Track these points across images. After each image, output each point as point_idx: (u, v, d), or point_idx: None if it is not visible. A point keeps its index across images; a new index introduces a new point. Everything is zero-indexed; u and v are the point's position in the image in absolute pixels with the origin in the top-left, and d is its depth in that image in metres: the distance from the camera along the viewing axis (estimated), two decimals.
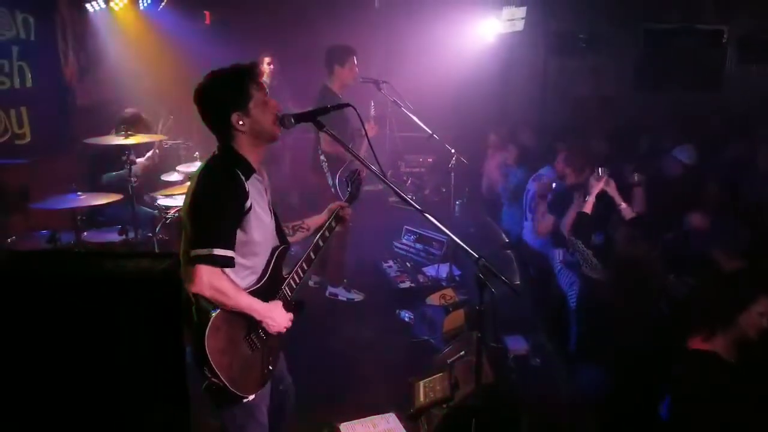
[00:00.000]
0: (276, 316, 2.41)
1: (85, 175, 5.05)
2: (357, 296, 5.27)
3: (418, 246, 6.16)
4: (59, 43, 5.71)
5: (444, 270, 5.51)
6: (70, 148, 5.64)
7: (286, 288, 2.55)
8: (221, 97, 2.32)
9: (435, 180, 8.11)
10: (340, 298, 5.25)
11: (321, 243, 2.70)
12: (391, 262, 5.89)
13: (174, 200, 5.13)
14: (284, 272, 2.57)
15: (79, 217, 4.45)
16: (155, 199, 5.11)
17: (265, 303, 2.38)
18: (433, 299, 4.64)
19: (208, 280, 2.18)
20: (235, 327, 2.33)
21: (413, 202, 2.66)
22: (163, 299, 1.38)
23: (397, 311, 4.96)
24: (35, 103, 5.49)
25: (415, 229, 6.30)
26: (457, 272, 5.55)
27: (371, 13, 8.93)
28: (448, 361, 3.56)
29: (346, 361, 4.33)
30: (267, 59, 6.95)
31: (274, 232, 2.55)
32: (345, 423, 3.52)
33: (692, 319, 2.92)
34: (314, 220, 2.86)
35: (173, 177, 5.71)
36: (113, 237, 4.64)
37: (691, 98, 8.95)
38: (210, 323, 2.23)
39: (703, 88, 9.11)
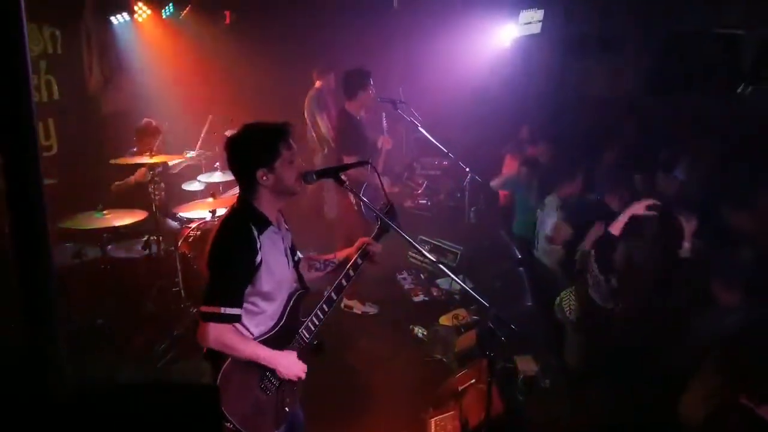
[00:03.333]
0: (287, 365, 2.51)
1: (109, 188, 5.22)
2: (372, 309, 5.40)
3: (433, 256, 6.26)
4: (84, 54, 5.83)
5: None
6: (95, 158, 5.80)
7: (304, 331, 2.63)
8: (250, 152, 2.44)
9: (450, 184, 8.18)
10: (355, 311, 5.38)
11: (344, 282, 2.72)
12: (405, 273, 6.01)
13: (195, 213, 5.29)
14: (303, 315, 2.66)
15: (104, 234, 4.61)
16: (176, 213, 5.27)
17: (274, 352, 2.48)
18: (446, 320, 4.75)
19: (215, 336, 2.33)
20: (249, 373, 2.46)
21: (428, 254, 2.72)
22: None
23: (411, 326, 5.08)
24: (61, 115, 5.65)
25: (429, 239, 6.39)
26: (470, 285, 5.64)
27: (390, 14, 8.94)
28: (460, 388, 3.69)
29: (360, 379, 4.48)
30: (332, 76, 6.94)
31: (292, 278, 2.65)
32: None
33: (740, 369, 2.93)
34: (344, 253, 2.87)
35: (194, 186, 5.87)
36: (137, 253, 4.80)
37: (710, 103, 8.88)
38: (222, 372, 2.38)
39: (722, 94, 9.02)
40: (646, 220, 4.21)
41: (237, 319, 2.38)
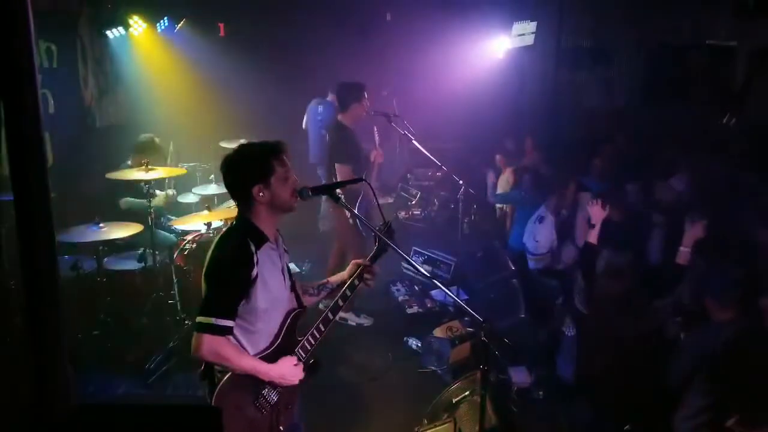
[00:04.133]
0: (282, 373, 2.53)
1: (104, 201, 5.24)
2: (366, 321, 5.43)
3: (427, 268, 6.28)
4: (80, 68, 5.87)
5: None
6: (91, 169, 5.81)
7: (300, 351, 2.65)
8: (246, 169, 2.50)
9: (444, 195, 8.22)
10: (349, 323, 5.41)
11: (341, 302, 2.76)
12: (399, 285, 6.03)
13: (190, 226, 5.32)
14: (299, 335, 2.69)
15: (100, 247, 4.63)
16: (172, 227, 5.29)
17: (269, 363, 2.51)
18: (440, 331, 4.78)
19: (209, 347, 2.36)
20: (244, 392, 2.48)
21: (422, 269, 2.75)
22: None
23: (405, 338, 5.11)
24: (57, 128, 5.67)
25: (423, 251, 6.42)
26: (464, 296, 5.69)
27: (383, 26, 9.02)
28: (454, 400, 3.71)
29: (354, 391, 4.51)
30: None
31: (289, 296, 2.68)
32: None
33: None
34: (337, 277, 2.91)
35: (189, 199, 5.89)
36: (133, 265, 4.82)
37: (701, 114, 8.98)
38: (216, 392, 2.40)
39: (714, 105, 9.13)
40: (615, 225, 4.27)
41: (229, 331, 2.41)
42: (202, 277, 2.46)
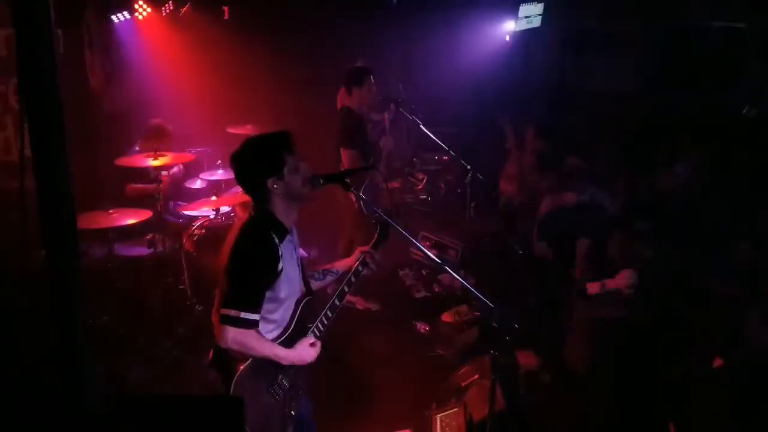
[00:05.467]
0: (301, 357, 2.60)
1: (113, 185, 5.25)
2: (374, 306, 5.45)
3: (434, 252, 6.29)
4: (86, 53, 5.85)
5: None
6: (99, 157, 5.82)
7: (311, 336, 2.71)
8: (257, 164, 2.51)
9: (451, 179, 8.21)
10: (357, 306, 5.44)
11: (347, 289, 2.81)
12: (407, 270, 6.06)
13: (198, 212, 5.34)
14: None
15: (110, 233, 4.65)
16: (180, 212, 5.31)
17: (289, 350, 2.57)
18: (448, 316, 4.81)
19: (233, 338, 2.40)
20: (259, 380, 2.52)
21: (430, 254, 2.77)
22: None
23: (413, 323, 5.14)
24: (65, 115, 5.64)
25: (431, 236, 6.43)
26: (471, 281, 5.71)
27: (389, 8, 8.93)
28: (463, 384, 3.75)
29: (363, 376, 4.55)
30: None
31: (300, 284, 2.72)
32: None
33: None
34: (343, 263, 2.96)
35: (197, 184, 5.90)
36: (143, 251, 4.85)
37: (710, 97, 8.91)
38: (234, 381, 2.44)
39: (723, 88, 9.05)
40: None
41: (255, 324, 2.44)
42: (226, 268, 2.47)
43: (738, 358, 3.44)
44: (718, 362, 3.12)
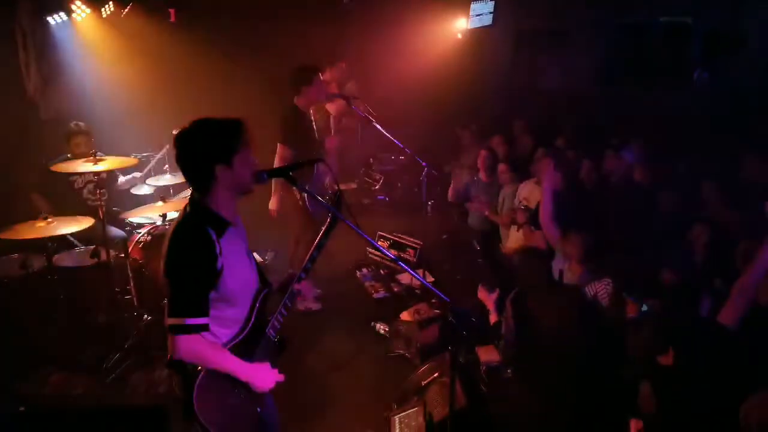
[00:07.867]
0: (260, 378, 2.46)
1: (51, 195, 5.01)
2: (315, 306, 5.29)
3: (392, 252, 6.22)
4: (20, 56, 5.57)
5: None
6: (35, 165, 5.54)
7: (271, 330, 2.59)
8: (208, 148, 2.32)
9: (407, 179, 8.16)
10: (298, 307, 5.24)
11: (303, 275, 2.68)
12: (365, 270, 5.96)
13: (145, 218, 5.14)
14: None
15: (49, 244, 4.40)
16: (124, 219, 5.09)
17: (247, 365, 2.42)
18: (407, 315, 4.72)
19: (185, 348, 2.25)
20: (223, 379, 2.38)
21: (385, 251, 2.67)
22: None
23: (372, 323, 5.03)
24: None
25: (388, 235, 6.35)
26: (430, 279, 5.64)
27: (340, 8, 8.85)
28: (423, 383, 3.66)
29: (322, 378, 4.42)
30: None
31: (255, 277, 2.58)
32: None
33: None
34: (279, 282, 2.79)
35: (143, 191, 5.68)
36: (86, 261, 4.60)
37: (659, 93, 9.11)
38: (197, 382, 2.29)
39: (672, 83, 9.26)
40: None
41: (205, 328, 2.30)
42: (163, 273, 2.30)
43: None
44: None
